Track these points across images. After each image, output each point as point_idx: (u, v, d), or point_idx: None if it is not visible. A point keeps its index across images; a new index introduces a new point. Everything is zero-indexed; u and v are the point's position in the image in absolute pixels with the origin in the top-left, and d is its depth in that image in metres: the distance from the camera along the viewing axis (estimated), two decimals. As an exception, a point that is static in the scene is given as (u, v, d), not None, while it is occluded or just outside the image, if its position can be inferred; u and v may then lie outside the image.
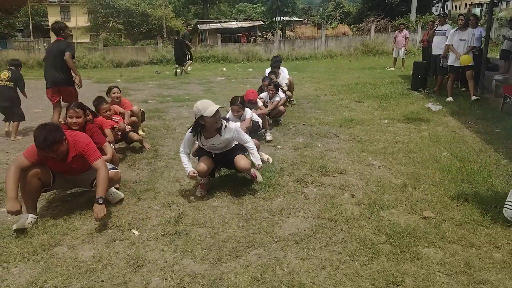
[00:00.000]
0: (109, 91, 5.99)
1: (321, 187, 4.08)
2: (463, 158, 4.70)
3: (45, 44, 24.76)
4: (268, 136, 5.89)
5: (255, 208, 3.64)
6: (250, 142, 4.08)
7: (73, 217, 3.54)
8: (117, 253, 2.94)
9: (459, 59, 8.17)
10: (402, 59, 15.10)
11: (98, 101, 5.28)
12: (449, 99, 8.35)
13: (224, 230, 3.25)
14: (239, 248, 2.96)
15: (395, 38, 15.20)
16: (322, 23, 31.06)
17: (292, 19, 42.02)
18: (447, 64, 8.69)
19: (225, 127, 3.90)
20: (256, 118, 5.84)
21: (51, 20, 45.88)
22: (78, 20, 35.55)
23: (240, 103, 5.29)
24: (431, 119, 6.79)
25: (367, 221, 3.31)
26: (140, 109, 6.36)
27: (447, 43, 8.60)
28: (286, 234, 3.15)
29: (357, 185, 4.10)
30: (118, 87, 6.05)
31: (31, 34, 33.35)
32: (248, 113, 5.53)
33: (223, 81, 13.63)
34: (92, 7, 31.82)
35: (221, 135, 3.89)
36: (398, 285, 2.44)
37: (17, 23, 40.57)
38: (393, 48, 15.69)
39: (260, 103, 6.42)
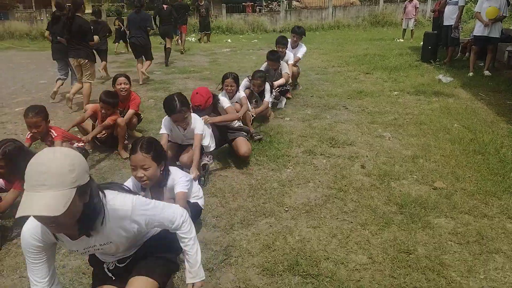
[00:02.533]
0: (114, 80, 4.70)
1: (331, 158, 4.06)
2: (475, 130, 4.63)
3: (47, 14, 24.41)
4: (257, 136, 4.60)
5: (264, 178, 3.64)
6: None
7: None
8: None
9: (486, 26, 7.50)
10: (412, 30, 14.74)
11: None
12: (471, 74, 7.82)
13: (234, 199, 3.26)
14: (250, 217, 2.97)
15: (405, 8, 14.78)
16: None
17: (298, -12, 40.92)
18: (473, 34, 8.13)
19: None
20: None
21: (53, -10, 45.10)
22: (80, -11, 34.77)
23: (233, 77, 4.52)
24: (442, 91, 6.67)
25: (377, 191, 3.30)
26: (138, 114, 4.91)
27: (475, 10, 7.90)
28: (296, 204, 3.16)
29: (367, 156, 4.07)
30: (126, 76, 4.73)
31: (33, 4, 32.82)
32: (241, 95, 4.61)
33: (228, 53, 13.42)
34: (94, -24, 31.07)
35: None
36: (410, 254, 2.44)
37: (17, -7, 39.86)
38: (402, 19, 15.30)
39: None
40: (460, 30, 9.45)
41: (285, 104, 6.13)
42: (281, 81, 5.98)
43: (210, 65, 10.63)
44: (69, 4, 6.06)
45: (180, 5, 13.26)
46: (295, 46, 7.02)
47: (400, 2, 23.95)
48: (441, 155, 3.95)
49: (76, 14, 5.93)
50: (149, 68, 8.67)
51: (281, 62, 6.13)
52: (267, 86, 5.22)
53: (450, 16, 9.09)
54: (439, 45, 10.07)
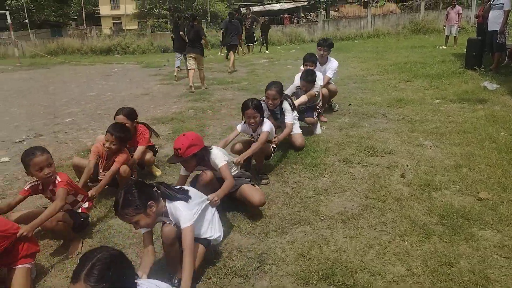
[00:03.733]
0: (117, 114, 3.88)
1: (369, 167, 3.98)
2: (524, 139, 4.39)
3: (97, 31, 25.80)
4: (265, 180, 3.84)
5: (300, 186, 3.63)
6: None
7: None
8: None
9: None
10: (455, 36, 14.24)
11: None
12: None
13: (269, 207, 3.27)
14: (285, 225, 2.97)
15: (447, 14, 14.33)
16: (368, 1, 29.90)
17: (337, -2, 40.76)
18: None
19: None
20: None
21: (102, 8, 47.70)
22: (127, 7, 36.63)
23: (255, 107, 3.68)
24: (488, 98, 6.38)
25: (417, 201, 3.20)
26: (152, 146, 4.28)
27: None
28: (332, 213, 3.12)
29: (407, 165, 3.95)
30: (127, 113, 3.85)
31: (84, 22, 34.84)
32: (265, 128, 3.75)
33: (266, 64, 13.54)
34: (140, -6, 32.61)
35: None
36: (452, 267, 2.34)
37: (70, 12, 42.56)
38: (444, 26, 14.82)
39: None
40: (507, 35, 9.00)
41: (321, 128, 5.31)
42: (302, 98, 5.05)
43: (248, 76, 10.79)
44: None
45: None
46: (323, 62, 6.10)
47: (442, 8, 23.25)
48: (486, 165, 3.76)
49: (194, 23, 9.26)
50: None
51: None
52: (286, 105, 4.33)
53: (494, 21, 8.69)
54: (484, 51, 9.64)
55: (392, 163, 4.03)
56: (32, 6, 34.29)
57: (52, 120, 6.83)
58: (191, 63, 9.07)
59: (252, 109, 3.65)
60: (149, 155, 4.05)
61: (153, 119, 6.44)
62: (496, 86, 7.06)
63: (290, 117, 4.31)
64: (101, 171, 3.60)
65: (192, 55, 9.08)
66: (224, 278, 2.42)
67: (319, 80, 5.36)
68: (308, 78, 5.08)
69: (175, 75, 10.77)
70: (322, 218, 3.05)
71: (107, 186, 3.50)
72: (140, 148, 3.92)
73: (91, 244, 2.91)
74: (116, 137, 3.44)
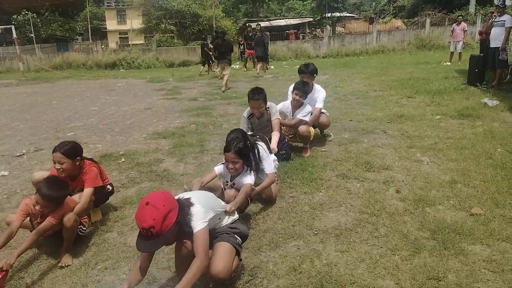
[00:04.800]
0: (54, 151, 3.15)
1: (365, 182, 4.02)
2: (521, 155, 4.41)
3: (102, 46, 26.26)
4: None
5: (296, 201, 3.67)
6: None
7: (123, 207, 3.77)
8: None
9: None
10: (460, 53, 14.35)
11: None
12: None
13: (264, 221, 3.32)
14: (279, 239, 3.01)
15: (452, 31, 14.48)
16: (374, 18, 30.23)
17: (342, 15, 41.26)
18: None
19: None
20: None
21: (109, 23, 48.65)
22: (133, 22, 37.29)
23: (237, 151, 3.02)
24: (487, 114, 6.41)
25: (411, 216, 3.22)
26: (104, 187, 3.53)
27: None
28: (326, 227, 3.16)
29: (403, 181, 3.98)
30: (65, 151, 3.11)
31: (90, 37, 35.50)
32: (246, 180, 3.14)
33: (270, 79, 13.69)
34: (146, 9, 33.22)
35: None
36: (440, 280, 2.36)
37: (77, 27, 43.47)
38: (450, 42, 14.96)
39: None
40: (508, 52, 9.07)
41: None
42: (275, 137, 4.34)
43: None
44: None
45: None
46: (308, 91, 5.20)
47: (448, 25, 23.43)
48: (481, 180, 3.78)
49: (224, 38, 12.05)
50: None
51: (269, 103, 4.60)
52: (262, 151, 3.52)
53: (496, 37, 8.80)
54: (487, 68, 9.71)
55: (388, 178, 4.06)
56: (39, 20, 35.05)
57: (53, 134, 6.94)
58: (226, 71, 11.65)
59: (232, 153, 2.98)
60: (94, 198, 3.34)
61: (154, 133, 6.54)
62: (496, 102, 7.10)
63: (269, 167, 3.47)
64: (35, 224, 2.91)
65: (223, 64, 11.83)
66: (215, 291, 2.45)
67: (307, 114, 4.84)
68: (301, 86, 4.79)
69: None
70: (316, 232, 3.09)
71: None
72: (87, 192, 3.19)
73: (85, 258, 2.96)
74: (47, 200, 2.70)
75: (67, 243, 2.89)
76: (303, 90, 4.83)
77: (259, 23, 18.24)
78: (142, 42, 35.61)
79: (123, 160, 5.17)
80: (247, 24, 30.07)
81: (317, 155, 4.91)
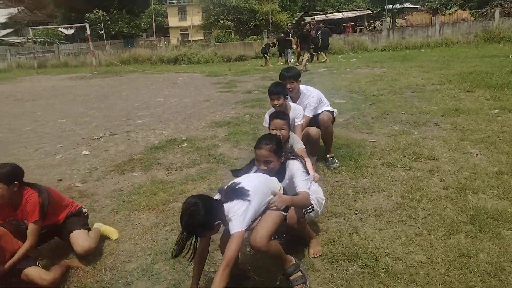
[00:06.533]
0: None
1: (410, 171, 4.16)
2: None
3: (165, 42, 27.66)
4: None
5: (340, 185, 3.92)
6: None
7: (186, 183, 4.25)
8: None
9: None
10: (531, 45, 13.43)
11: None
12: None
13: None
14: (320, 216, 3.28)
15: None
16: (438, 9, 28.83)
17: (404, 6, 39.67)
18: None
19: None
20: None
21: (171, 20, 50.88)
22: (193, 19, 38.63)
23: (270, 145, 2.59)
24: (550, 109, 6.14)
25: (451, 202, 3.35)
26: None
27: None
28: (367, 208, 3.38)
29: (448, 171, 4.07)
30: (7, 171, 2.70)
31: (154, 33, 37.32)
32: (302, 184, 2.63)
33: (324, 72, 13.78)
34: (205, 6, 34.34)
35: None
36: (470, 258, 2.53)
37: (142, 24, 45.93)
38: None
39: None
40: None
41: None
42: (309, 164, 3.14)
43: (305, 84, 11.10)
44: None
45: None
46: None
47: (520, 15, 21.84)
48: (530, 172, 3.78)
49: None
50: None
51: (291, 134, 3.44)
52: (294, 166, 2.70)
53: None
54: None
55: (434, 168, 4.16)
56: (108, 18, 37.47)
57: (125, 122, 7.71)
58: (305, 56, 15.88)
59: (264, 150, 2.58)
60: (83, 240, 2.85)
61: (212, 122, 7.07)
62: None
63: (303, 184, 2.63)
64: None
65: (304, 51, 16.51)
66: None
67: (296, 142, 3.44)
68: (273, 88, 3.80)
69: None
70: (357, 212, 3.33)
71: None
72: (31, 228, 2.70)
73: (155, 221, 3.44)
74: None
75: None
76: (276, 90, 3.75)
77: (314, 17, 18.54)
78: (201, 38, 36.90)
79: (185, 144, 5.72)
80: (302, 19, 30.08)
81: (364, 144, 5.08)
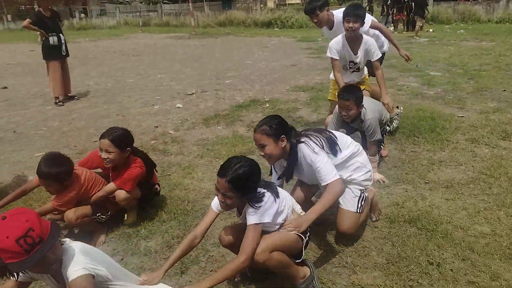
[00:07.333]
0: (102, 137, 2.77)
1: (495, 149, 3.96)
2: None
3: (261, 5, 27.83)
4: None
5: (416, 155, 3.90)
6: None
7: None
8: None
9: None
10: None
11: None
12: None
13: (380, 167, 3.67)
14: (389, 182, 3.36)
15: None
16: None
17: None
18: None
19: None
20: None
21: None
22: (292, -18, 37.88)
23: (230, 181, 1.93)
24: None
25: (533, 183, 3.19)
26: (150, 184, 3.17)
27: None
28: (438, 179, 3.37)
29: (540, 152, 3.80)
30: (113, 138, 2.71)
31: (251, -4, 37.51)
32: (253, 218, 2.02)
33: (425, 43, 12.90)
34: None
35: None
36: (539, 236, 2.46)
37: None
38: None
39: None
40: None
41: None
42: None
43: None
44: None
45: None
46: (357, 41, 3.70)
47: None
48: None
49: None
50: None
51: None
52: (306, 152, 2.35)
53: None
54: None
55: (524, 148, 3.91)
56: (208, -22, 38.25)
57: (215, 81, 8.23)
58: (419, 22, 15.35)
59: (220, 178, 1.95)
60: (123, 199, 2.83)
61: (296, 87, 7.24)
62: None
63: (324, 170, 2.28)
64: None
65: (417, 16, 15.67)
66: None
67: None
68: (352, 10, 3.52)
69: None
70: (427, 181, 3.34)
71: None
72: (109, 187, 2.84)
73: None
74: (45, 178, 2.52)
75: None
76: (355, 13, 3.47)
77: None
78: (299, 1, 36.23)
79: (267, 105, 6.01)
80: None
81: (451, 119, 4.88)
